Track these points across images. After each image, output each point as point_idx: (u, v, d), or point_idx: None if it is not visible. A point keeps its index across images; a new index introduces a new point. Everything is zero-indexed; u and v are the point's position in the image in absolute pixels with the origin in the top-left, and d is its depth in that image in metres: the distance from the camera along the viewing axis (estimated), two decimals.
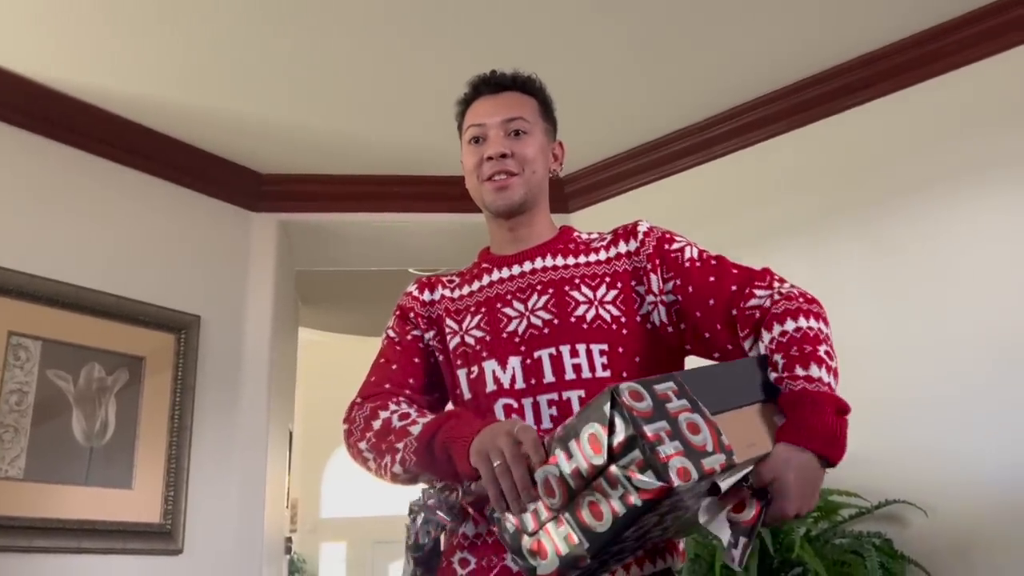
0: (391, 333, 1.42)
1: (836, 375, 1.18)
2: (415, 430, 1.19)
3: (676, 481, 0.87)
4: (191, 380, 3.01)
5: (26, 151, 2.76)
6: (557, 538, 0.95)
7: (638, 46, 2.63)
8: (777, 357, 1.18)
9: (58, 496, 2.61)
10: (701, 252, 1.36)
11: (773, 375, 1.17)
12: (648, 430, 0.89)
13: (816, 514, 2.33)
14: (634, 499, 0.88)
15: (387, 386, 1.34)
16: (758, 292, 1.26)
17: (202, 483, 2.97)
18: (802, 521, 2.31)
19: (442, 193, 3.42)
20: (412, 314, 1.41)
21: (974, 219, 2.44)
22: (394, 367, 1.37)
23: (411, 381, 1.36)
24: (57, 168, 2.83)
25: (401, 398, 1.32)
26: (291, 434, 4.06)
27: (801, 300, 1.23)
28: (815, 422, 1.10)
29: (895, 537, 2.30)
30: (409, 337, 1.40)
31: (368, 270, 4.17)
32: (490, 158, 1.37)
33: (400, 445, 1.20)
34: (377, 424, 1.26)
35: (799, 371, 1.15)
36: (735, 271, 1.31)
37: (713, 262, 1.33)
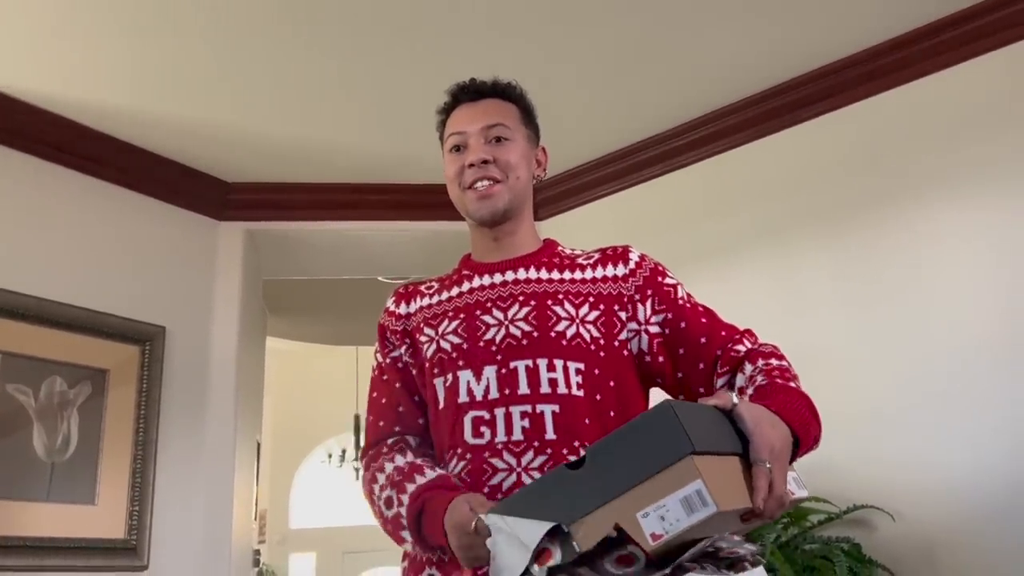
0: (378, 358, 1.44)
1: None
2: (405, 534, 1.25)
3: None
4: (156, 393, 2.95)
5: None
6: None
7: (602, 57, 2.64)
8: (760, 377, 1.21)
9: (18, 513, 2.54)
10: (689, 295, 1.39)
11: (751, 389, 1.19)
12: None
13: (786, 519, 2.34)
14: None
15: (381, 423, 1.38)
16: (746, 341, 1.31)
17: (168, 498, 2.92)
18: (771, 527, 2.32)
19: (411, 201, 3.41)
20: (388, 332, 1.42)
21: (941, 227, 2.47)
22: (383, 400, 1.40)
23: (400, 409, 1.38)
24: (18, 178, 2.77)
25: (391, 452, 1.33)
26: (259, 445, 4.01)
27: (786, 359, 1.28)
28: (795, 403, 1.13)
29: (863, 542, 2.32)
30: (388, 360, 1.41)
31: (336, 279, 4.14)
32: (471, 165, 1.35)
33: (407, 535, 1.25)
34: (378, 500, 1.30)
35: (781, 382, 1.19)
36: (724, 321, 1.36)
37: (701, 307, 1.37)
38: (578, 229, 3.29)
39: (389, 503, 1.25)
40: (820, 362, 2.53)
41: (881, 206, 2.59)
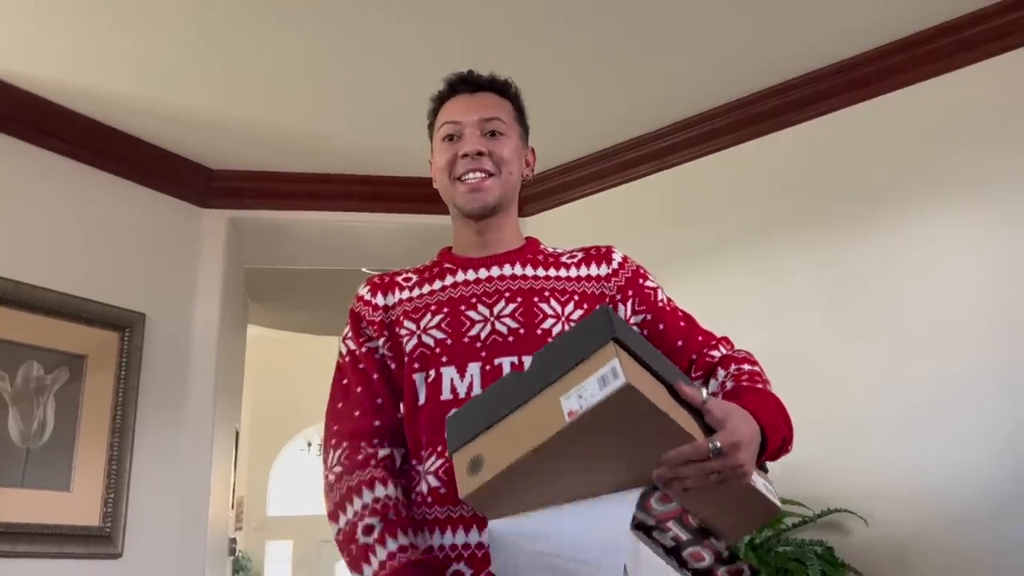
0: (350, 345, 1.37)
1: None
2: (367, 571, 1.16)
3: None
4: (135, 380, 2.93)
5: None
6: None
7: (595, 54, 2.64)
8: (730, 382, 1.22)
9: None
10: (670, 299, 1.39)
11: (722, 394, 1.20)
12: None
13: None
14: None
15: (356, 413, 1.30)
16: (721, 348, 1.32)
17: (144, 485, 2.90)
18: None
19: (396, 193, 3.40)
20: (364, 322, 1.36)
21: (926, 233, 2.48)
22: (358, 389, 1.32)
23: (378, 401, 1.31)
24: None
25: (379, 469, 1.25)
26: (237, 433, 3.99)
27: (759, 365, 1.29)
28: (763, 403, 1.14)
29: (836, 545, 2.34)
30: (364, 350, 1.35)
31: (320, 269, 4.12)
32: (465, 155, 1.33)
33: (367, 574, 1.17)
34: (354, 515, 1.21)
35: (749, 384, 1.20)
36: (702, 327, 1.37)
37: (681, 312, 1.38)
38: (565, 226, 3.29)
39: (368, 531, 1.17)
40: (801, 364, 2.56)
41: (868, 211, 2.60)
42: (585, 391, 0.94)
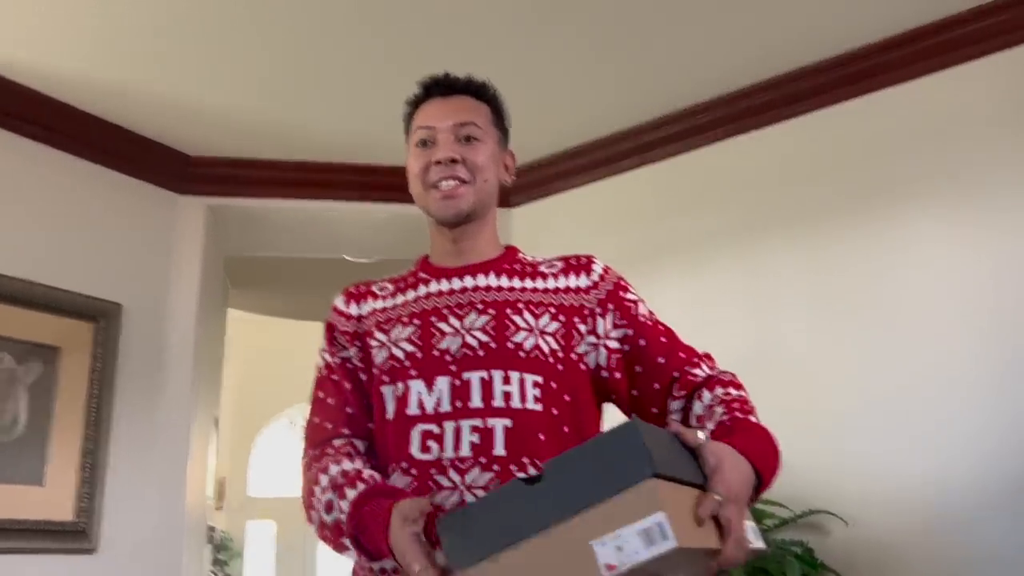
0: (325, 357, 1.37)
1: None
2: (346, 541, 1.18)
3: None
4: (110, 371, 2.88)
5: None
6: None
7: (583, 47, 2.59)
8: (719, 408, 1.18)
9: None
10: (651, 312, 1.35)
11: (711, 422, 1.17)
12: None
13: None
14: None
15: (328, 426, 1.30)
16: (704, 366, 1.28)
17: (120, 479, 2.85)
18: None
19: (378, 182, 3.35)
20: (337, 332, 1.36)
21: (913, 234, 2.46)
22: (330, 401, 1.32)
23: (349, 411, 1.31)
24: None
25: (337, 455, 1.26)
26: (217, 421, 3.95)
27: (744, 389, 1.25)
28: (758, 442, 1.10)
29: (816, 546, 2.34)
30: (338, 360, 1.35)
31: (301, 257, 4.07)
32: (438, 162, 1.30)
33: (348, 543, 1.18)
34: (318, 503, 1.22)
35: (742, 416, 1.17)
36: (684, 342, 1.33)
37: (662, 326, 1.34)
38: (551, 218, 3.26)
39: (330, 507, 1.18)
40: (784, 363, 2.55)
41: (855, 210, 2.58)
42: (625, 543, 0.84)
